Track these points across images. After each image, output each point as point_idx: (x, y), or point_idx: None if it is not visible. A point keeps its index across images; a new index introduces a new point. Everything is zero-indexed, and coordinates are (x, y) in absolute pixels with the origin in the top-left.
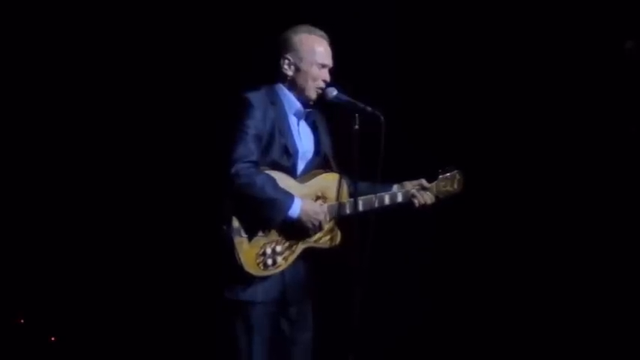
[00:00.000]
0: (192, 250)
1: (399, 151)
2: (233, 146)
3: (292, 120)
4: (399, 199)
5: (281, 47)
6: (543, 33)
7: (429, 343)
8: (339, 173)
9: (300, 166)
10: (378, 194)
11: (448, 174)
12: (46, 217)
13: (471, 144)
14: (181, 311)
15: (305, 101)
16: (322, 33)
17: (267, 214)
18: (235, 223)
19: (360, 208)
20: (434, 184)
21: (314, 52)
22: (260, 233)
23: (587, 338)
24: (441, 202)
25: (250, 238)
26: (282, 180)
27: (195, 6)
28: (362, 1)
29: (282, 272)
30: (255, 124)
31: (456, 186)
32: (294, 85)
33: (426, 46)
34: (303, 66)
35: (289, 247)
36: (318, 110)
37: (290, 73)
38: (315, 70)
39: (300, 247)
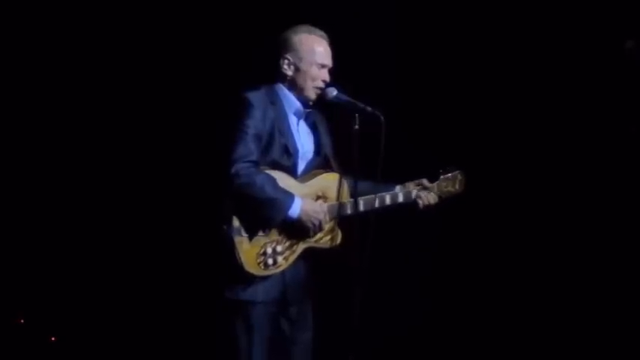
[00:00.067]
0: (192, 250)
1: (400, 151)
2: (233, 146)
3: (292, 120)
4: (400, 199)
5: (281, 47)
6: (543, 33)
7: (429, 343)
8: (340, 173)
9: (301, 166)
10: (379, 194)
11: (449, 174)
12: (46, 217)
13: (471, 144)
14: (182, 311)
15: (305, 101)
16: (322, 33)
17: (267, 214)
18: (235, 222)
19: (361, 208)
20: (435, 184)
21: (314, 52)
22: (260, 233)
23: (587, 338)
24: (442, 202)
25: (251, 238)
26: (283, 180)
27: (195, 6)
28: (362, 1)
29: (283, 272)
30: (255, 123)
31: (457, 186)
32: (293, 85)
33: (426, 46)
34: (303, 66)
35: (290, 247)
36: (318, 110)
37: (290, 73)
38: (314, 70)
39: (300, 247)
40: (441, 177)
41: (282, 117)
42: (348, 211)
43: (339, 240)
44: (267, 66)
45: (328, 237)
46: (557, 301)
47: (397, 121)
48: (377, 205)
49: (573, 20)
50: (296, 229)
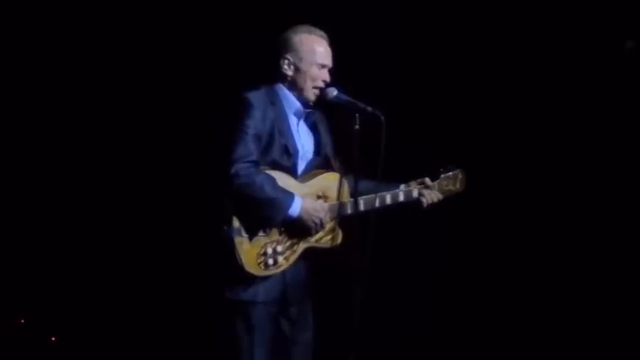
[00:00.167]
0: (193, 251)
1: (400, 151)
2: (233, 146)
3: (292, 120)
4: (401, 198)
5: (281, 47)
6: (543, 33)
7: (430, 342)
8: (340, 173)
9: (301, 166)
10: (380, 194)
11: (450, 173)
12: (46, 217)
13: (472, 144)
14: (182, 311)
15: (304, 102)
16: (322, 33)
17: (267, 214)
18: (236, 223)
19: (362, 207)
20: (436, 182)
21: (314, 53)
22: (261, 233)
23: (588, 338)
24: (443, 201)
25: (251, 238)
26: (283, 180)
27: (196, 6)
28: (362, 1)
29: (283, 272)
30: (255, 124)
31: (458, 185)
32: (293, 85)
33: (425, 46)
34: (303, 66)
35: (290, 247)
36: (319, 110)
37: (290, 73)
38: (314, 71)
39: (301, 247)
40: (442, 176)
41: (282, 117)
42: (349, 211)
43: (339, 240)
44: (268, 66)
45: (329, 237)
46: (558, 300)
47: (397, 121)
48: (377, 204)
49: (573, 20)
50: (297, 229)
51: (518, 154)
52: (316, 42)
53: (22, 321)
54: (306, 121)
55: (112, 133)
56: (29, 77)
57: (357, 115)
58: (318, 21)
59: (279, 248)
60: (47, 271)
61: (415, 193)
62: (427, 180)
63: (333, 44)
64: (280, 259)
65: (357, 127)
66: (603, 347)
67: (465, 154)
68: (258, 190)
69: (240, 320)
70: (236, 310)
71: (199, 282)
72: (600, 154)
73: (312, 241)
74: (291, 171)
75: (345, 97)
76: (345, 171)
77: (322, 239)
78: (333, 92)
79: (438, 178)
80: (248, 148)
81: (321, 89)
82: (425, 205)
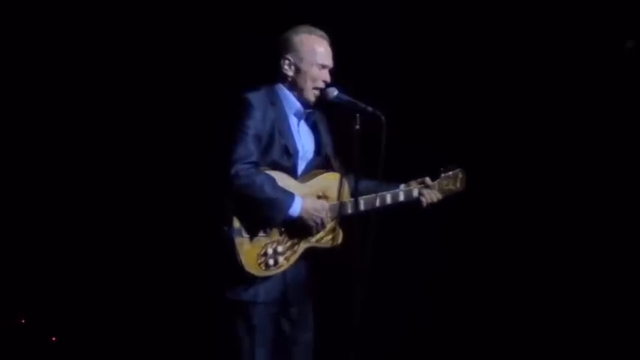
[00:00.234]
0: (193, 251)
1: (400, 151)
2: (233, 147)
3: (292, 120)
4: (401, 197)
5: (281, 47)
6: (543, 33)
7: (430, 342)
8: (341, 173)
9: (301, 167)
10: (380, 193)
11: (450, 172)
12: (46, 217)
13: (472, 143)
14: (183, 312)
15: (305, 102)
16: (322, 33)
17: (267, 214)
18: (236, 223)
19: (362, 207)
20: (436, 182)
21: (314, 53)
22: (261, 233)
23: (588, 338)
24: (443, 200)
25: (251, 239)
26: (283, 180)
27: (196, 6)
28: (362, 1)
29: (284, 272)
30: (255, 124)
31: (458, 184)
32: (294, 86)
33: (425, 46)
34: (304, 66)
35: (291, 247)
36: (319, 110)
37: (290, 73)
38: (315, 71)
39: (302, 247)
40: (442, 175)
41: (283, 117)
42: (349, 211)
43: (340, 240)
44: (268, 66)
45: (329, 237)
46: (559, 300)
47: (397, 121)
48: (378, 204)
49: (573, 20)
50: (297, 229)
51: (518, 153)
52: (317, 42)
53: (22, 321)
54: (306, 121)
55: (113, 133)
56: (29, 77)
57: (357, 115)
58: (318, 21)
59: (280, 248)
60: (47, 271)
61: (415, 193)
62: (427, 180)
63: (334, 44)
64: (281, 259)
65: (357, 127)
66: (603, 347)
67: (465, 153)
68: (259, 191)
69: (241, 320)
70: (237, 310)
71: (200, 282)
72: (600, 154)
73: (312, 241)
74: (292, 171)
75: (345, 97)
76: (346, 171)
77: (323, 239)
78: (334, 92)
79: (438, 178)
80: (248, 148)
81: (322, 89)
82: (425, 204)
